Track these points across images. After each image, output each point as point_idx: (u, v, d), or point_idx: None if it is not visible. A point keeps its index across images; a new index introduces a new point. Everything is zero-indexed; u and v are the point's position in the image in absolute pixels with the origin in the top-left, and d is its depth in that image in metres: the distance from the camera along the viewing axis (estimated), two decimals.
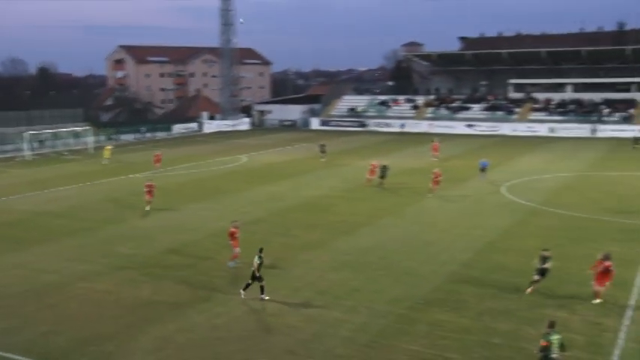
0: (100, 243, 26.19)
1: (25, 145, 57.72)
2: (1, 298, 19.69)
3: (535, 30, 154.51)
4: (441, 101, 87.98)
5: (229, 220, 28.57)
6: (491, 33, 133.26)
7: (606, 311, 17.15)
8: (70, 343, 16.32)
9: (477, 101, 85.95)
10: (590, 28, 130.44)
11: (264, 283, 19.01)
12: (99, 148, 57.49)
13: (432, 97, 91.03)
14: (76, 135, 65.69)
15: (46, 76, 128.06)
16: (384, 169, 38.28)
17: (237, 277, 21.16)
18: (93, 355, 15.64)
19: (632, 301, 18.74)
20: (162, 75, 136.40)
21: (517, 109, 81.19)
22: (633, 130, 65.94)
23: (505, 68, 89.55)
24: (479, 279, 20.94)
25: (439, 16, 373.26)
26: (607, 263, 17.16)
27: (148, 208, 31.68)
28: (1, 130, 62.00)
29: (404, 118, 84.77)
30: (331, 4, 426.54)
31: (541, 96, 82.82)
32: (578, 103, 79.10)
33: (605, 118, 74.09)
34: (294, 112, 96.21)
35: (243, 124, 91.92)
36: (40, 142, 61.94)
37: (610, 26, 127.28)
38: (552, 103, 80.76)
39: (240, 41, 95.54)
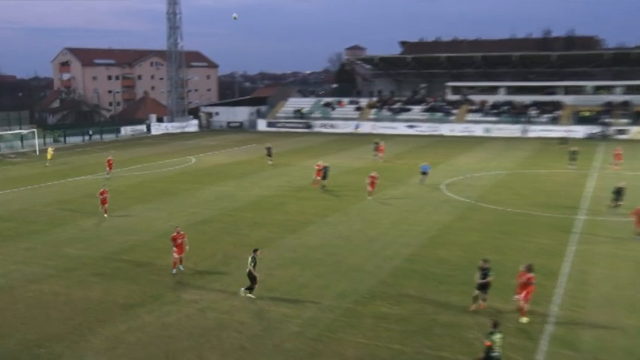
0: (49, 245, 25.99)
1: None
2: None
3: (470, 35, 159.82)
4: (383, 103, 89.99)
5: (179, 220, 28.74)
6: (430, 38, 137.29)
7: (536, 299, 18.34)
8: (19, 345, 16.29)
9: (417, 103, 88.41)
10: (520, 34, 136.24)
11: (256, 284, 19.39)
12: (45, 151, 56.28)
13: (374, 99, 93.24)
14: (22, 137, 64.01)
15: None
16: (325, 170, 38.99)
17: (186, 277, 21.55)
18: (43, 357, 15.67)
19: (558, 289, 20.14)
20: (109, 77, 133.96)
21: (455, 111, 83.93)
22: (559, 131, 70.15)
23: (443, 72, 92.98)
24: (421, 272, 21.93)
25: (381, 21, 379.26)
26: (529, 275, 17.59)
27: (106, 215, 31.02)
28: None
29: (348, 119, 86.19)
30: (277, 9, 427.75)
31: (477, 98, 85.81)
32: (510, 104, 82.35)
33: (534, 120, 77.62)
34: (241, 113, 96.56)
35: (191, 125, 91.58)
36: None
37: (538, 33, 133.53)
38: (487, 104, 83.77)
39: (186, 44, 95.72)
